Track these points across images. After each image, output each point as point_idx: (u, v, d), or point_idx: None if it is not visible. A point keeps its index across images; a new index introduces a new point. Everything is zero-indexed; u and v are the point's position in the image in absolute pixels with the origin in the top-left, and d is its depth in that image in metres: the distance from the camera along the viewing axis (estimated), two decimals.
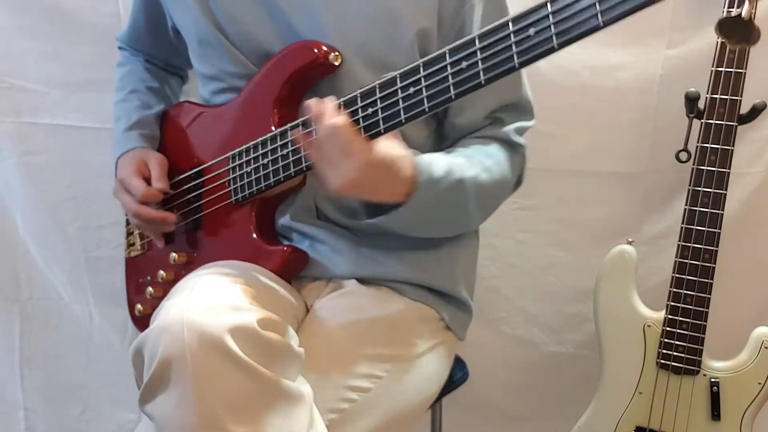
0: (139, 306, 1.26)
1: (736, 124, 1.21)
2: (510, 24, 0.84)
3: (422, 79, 0.90)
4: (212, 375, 0.79)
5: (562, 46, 0.81)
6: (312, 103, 0.93)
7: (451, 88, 0.88)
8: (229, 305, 0.84)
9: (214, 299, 0.85)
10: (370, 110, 0.94)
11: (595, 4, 0.78)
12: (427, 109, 0.90)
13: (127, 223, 1.31)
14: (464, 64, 0.87)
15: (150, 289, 1.22)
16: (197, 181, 1.16)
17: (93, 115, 1.43)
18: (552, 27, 0.81)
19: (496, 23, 0.85)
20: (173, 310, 0.83)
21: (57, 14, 1.47)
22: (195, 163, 1.18)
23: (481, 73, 0.86)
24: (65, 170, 1.54)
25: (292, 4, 1.06)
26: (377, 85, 0.93)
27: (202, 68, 1.17)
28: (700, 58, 1.33)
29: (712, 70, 1.21)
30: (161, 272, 1.20)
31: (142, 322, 1.27)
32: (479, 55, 0.86)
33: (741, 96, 1.21)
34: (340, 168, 0.91)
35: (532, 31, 0.82)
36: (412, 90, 0.90)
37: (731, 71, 1.20)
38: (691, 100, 1.24)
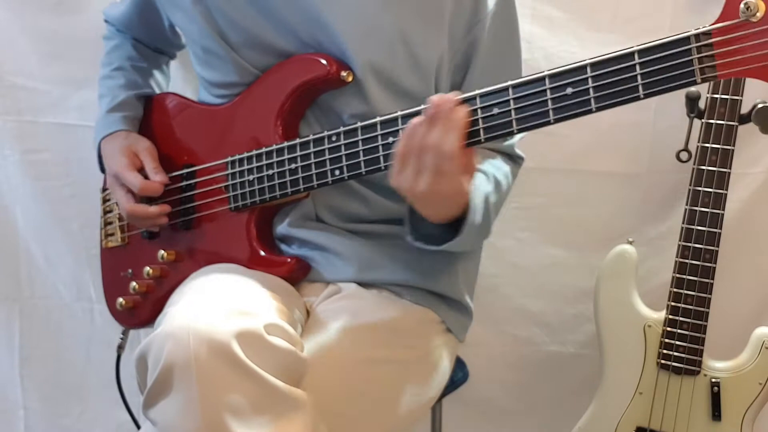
0: (120, 300, 1.22)
1: (737, 123, 1.21)
2: (547, 80, 0.86)
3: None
4: (218, 381, 0.79)
5: (600, 109, 0.84)
6: (435, 100, 0.88)
7: (481, 132, 0.90)
8: (236, 310, 0.83)
9: (220, 303, 0.85)
10: (390, 139, 0.95)
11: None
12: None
13: (105, 212, 1.29)
14: (495, 110, 0.89)
15: (134, 283, 1.19)
16: (190, 182, 1.15)
17: (94, 113, 1.40)
18: (591, 90, 0.83)
19: (533, 75, 0.87)
20: (178, 315, 0.83)
21: (58, 13, 1.47)
22: (186, 161, 1.16)
23: (514, 123, 0.88)
24: (67, 168, 1.54)
25: (299, 16, 1.04)
26: (399, 116, 0.95)
27: (205, 74, 1.15)
28: None
29: None
30: (147, 268, 1.17)
31: (123, 315, 1.25)
32: (512, 105, 0.88)
33: (742, 96, 1.21)
34: (427, 176, 0.88)
35: (569, 90, 0.84)
36: None
37: None
38: (691, 100, 1.24)
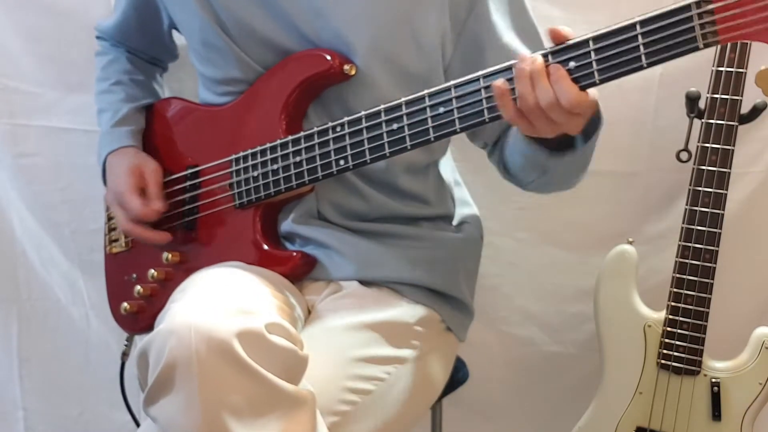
0: (125, 304, 1.22)
1: (737, 123, 1.20)
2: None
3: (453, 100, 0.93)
4: (218, 379, 0.79)
5: (603, 81, 0.85)
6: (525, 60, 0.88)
7: (485, 112, 0.91)
8: (238, 308, 0.84)
9: (221, 302, 0.85)
10: (395, 125, 0.96)
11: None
12: (458, 130, 0.94)
13: (110, 218, 1.29)
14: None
15: (138, 287, 1.19)
16: (193, 182, 1.15)
17: (87, 117, 1.41)
18: (594, 63, 0.84)
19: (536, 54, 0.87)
20: (180, 312, 0.83)
21: (52, 15, 1.46)
22: (189, 163, 1.16)
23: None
24: (59, 172, 1.53)
25: (299, 7, 1.04)
26: (403, 102, 0.95)
27: (206, 71, 1.15)
28: (700, 58, 1.30)
29: (712, 70, 1.20)
30: (151, 271, 1.18)
31: (127, 320, 1.25)
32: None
33: (742, 96, 1.20)
34: (562, 121, 0.88)
35: (572, 64, 0.85)
36: (441, 110, 0.94)
37: (732, 71, 1.19)
38: (691, 100, 1.23)
